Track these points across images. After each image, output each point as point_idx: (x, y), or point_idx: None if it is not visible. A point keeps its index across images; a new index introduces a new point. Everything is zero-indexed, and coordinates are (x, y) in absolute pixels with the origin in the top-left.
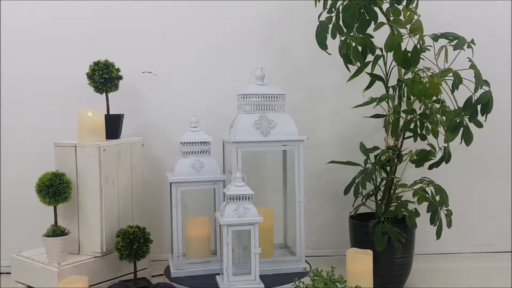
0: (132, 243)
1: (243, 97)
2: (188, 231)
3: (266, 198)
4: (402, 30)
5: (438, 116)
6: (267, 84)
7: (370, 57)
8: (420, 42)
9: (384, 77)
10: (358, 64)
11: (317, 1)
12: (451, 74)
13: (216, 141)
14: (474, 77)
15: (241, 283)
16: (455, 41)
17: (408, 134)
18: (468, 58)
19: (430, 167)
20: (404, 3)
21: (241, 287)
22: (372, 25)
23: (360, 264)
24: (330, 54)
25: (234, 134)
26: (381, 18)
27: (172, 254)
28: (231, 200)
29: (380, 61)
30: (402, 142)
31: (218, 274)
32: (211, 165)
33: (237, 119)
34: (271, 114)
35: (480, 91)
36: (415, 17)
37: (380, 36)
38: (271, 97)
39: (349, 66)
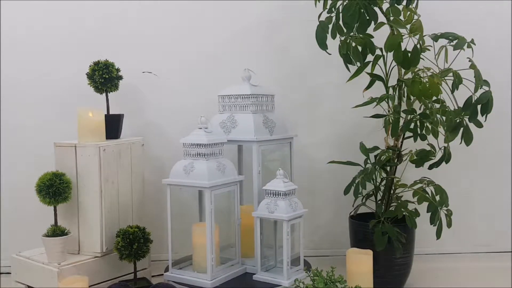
0: (132, 243)
1: (250, 97)
2: (195, 238)
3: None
4: (402, 30)
5: (438, 116)
6: (260, 85)
7: (370, 57)
8: (420, 42)
9: (384, 77)
10: (358, 64)
11: (317, 1)
12: (451, 74)
13: None
14: (474, 77)
15: (297, 274)
16: (455, 41)
17: (408, 134)
18: (468, 58)
19: (430, 167)
20: (404, 3)
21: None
22: (372, 25)
23: (360, 264)
24: (330, 54)
25: (252, 133)
26: (381, 18)
27: (170, 264)
28: (285, 196)
29: (380, 61)
30: (402, 142)
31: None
32: (230, 166)
33: (243, 119)
34: (270, 114)
35: (480, 91)
36: (415, 17)
37: (380, 36)
38: (269, 97)
39: (349, 66)
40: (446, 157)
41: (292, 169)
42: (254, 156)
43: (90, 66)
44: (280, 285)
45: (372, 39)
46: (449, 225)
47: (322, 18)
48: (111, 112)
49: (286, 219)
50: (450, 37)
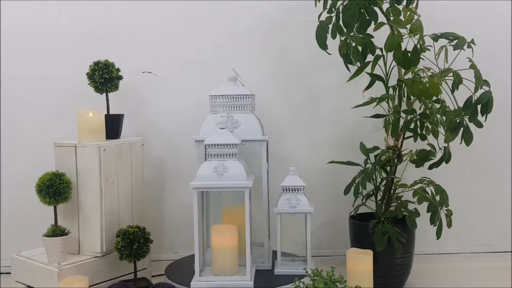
0: (132, 243)
1: (249, 97)
2: (217, 241)
3: None
4: (402, 30)
5: (438, 116)
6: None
7: (370, 57)
8: (420, 42)
9: (384, 77)
10: (358, 64)
11: (317, 1)
12: (451, 74)
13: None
14: (474, 77)
15: (312, 264)
16: (455, 41)
17: (408, 134)
18: (468, 58)
19: (430, 167)
20: (404, 3)
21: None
22: (372, 25)
23: (360, 264)
24: (330, 54)
25: (260, 133)
26: (381, 18)
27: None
28: (303, 191)
29: (380, 61)
30: (402, 142)
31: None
32: (246, 165)
33: (245, 119)
34: (256, 114)
35: (480, 91)
36: (415, 17)
37: (380, 36)
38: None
39: (349, 66)
40: (446, 157)
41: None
42: (263, 155)
43: (90, 66)
44: (306, 275)
45: (372, 39)
46: (449, 225)
47: (322, 18)
48: (111, 112)
49: (311, 212)
50: (450, 37)
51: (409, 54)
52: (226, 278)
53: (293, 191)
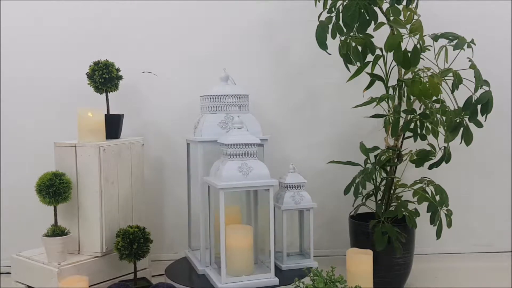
0: (132, 243)
1: (247, 97)
2: (232, 241)
3: None
4: (402, 30)
5: (438, 116)
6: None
7: (370, 57)
8: (420, 42)
9: (384, 77)
10: (358, 64)
11: (317, 1)
12: (451, 74)
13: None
14: (474, 77)
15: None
16: (455, 41)
17: (408, 134)
18: (468, 58)
19: (430, 167)
20: (404, 3)
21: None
22: (372, 25)
23: (360, 264)
24: (330, 54)
25: (260, 133)
26: (381, 18)
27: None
28: (304, 187)
29: (380, 61)
30: (402, 142)
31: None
32: None
33: (247, 119)
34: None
35: (480, 91)
36: (415, 17)
37: (380, 36)
38: None
39: (349, 66)
40: (446, 157)
41: None
42: (266, 153)
43: (90, 66)
44: (311, 267)
45: (372, 39)
46: (449, 225)
47: (322, 18)
48: (111, 112)
49: (315, 206)
50: (450, 37)
51: (409, 54)
52: (251, 277)
53: (296, 188)
